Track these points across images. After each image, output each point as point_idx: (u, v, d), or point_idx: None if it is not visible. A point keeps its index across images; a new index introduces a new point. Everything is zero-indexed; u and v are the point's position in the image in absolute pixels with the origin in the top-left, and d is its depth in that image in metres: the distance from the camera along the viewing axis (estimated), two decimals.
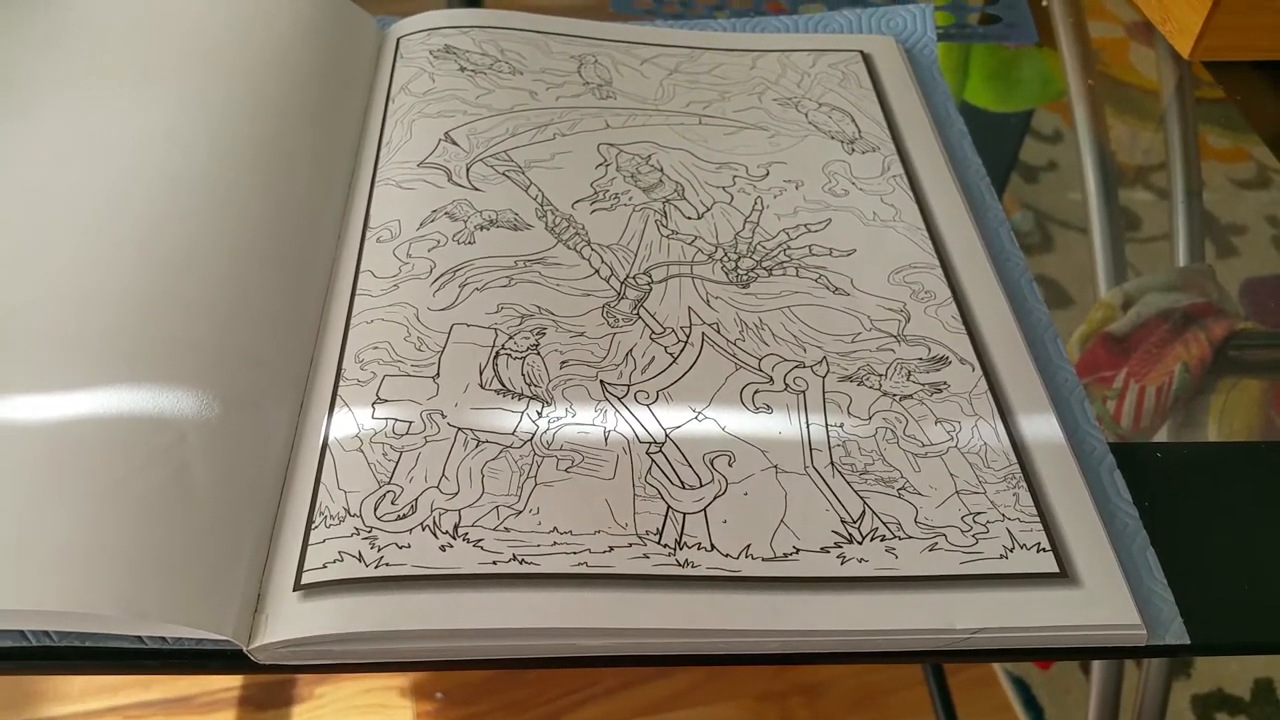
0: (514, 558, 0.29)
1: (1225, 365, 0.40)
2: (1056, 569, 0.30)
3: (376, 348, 0.34)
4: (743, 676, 0.94)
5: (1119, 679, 0.75)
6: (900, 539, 0.31)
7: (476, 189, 0.41)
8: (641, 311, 0.37)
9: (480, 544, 0.29)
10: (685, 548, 0.30)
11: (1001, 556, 0.30)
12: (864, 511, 0.31)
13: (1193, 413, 0.39)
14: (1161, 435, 0.38)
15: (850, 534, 0.31)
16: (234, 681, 0.93)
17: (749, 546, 0.30)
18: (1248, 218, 0.49)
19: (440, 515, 0.30)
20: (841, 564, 0.30)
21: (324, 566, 0.29)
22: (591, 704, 0.92)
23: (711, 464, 0.32)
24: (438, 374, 0.34)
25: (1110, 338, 0.41)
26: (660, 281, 0.38)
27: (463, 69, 0.46)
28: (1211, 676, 0.91)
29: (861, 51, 0.50)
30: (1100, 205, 0.49)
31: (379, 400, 0.33)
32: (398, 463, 0.31)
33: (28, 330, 0.33)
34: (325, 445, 0.32)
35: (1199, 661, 0.92)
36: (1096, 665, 0.77)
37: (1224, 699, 0.90)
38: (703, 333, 0.36)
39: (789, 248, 0.40)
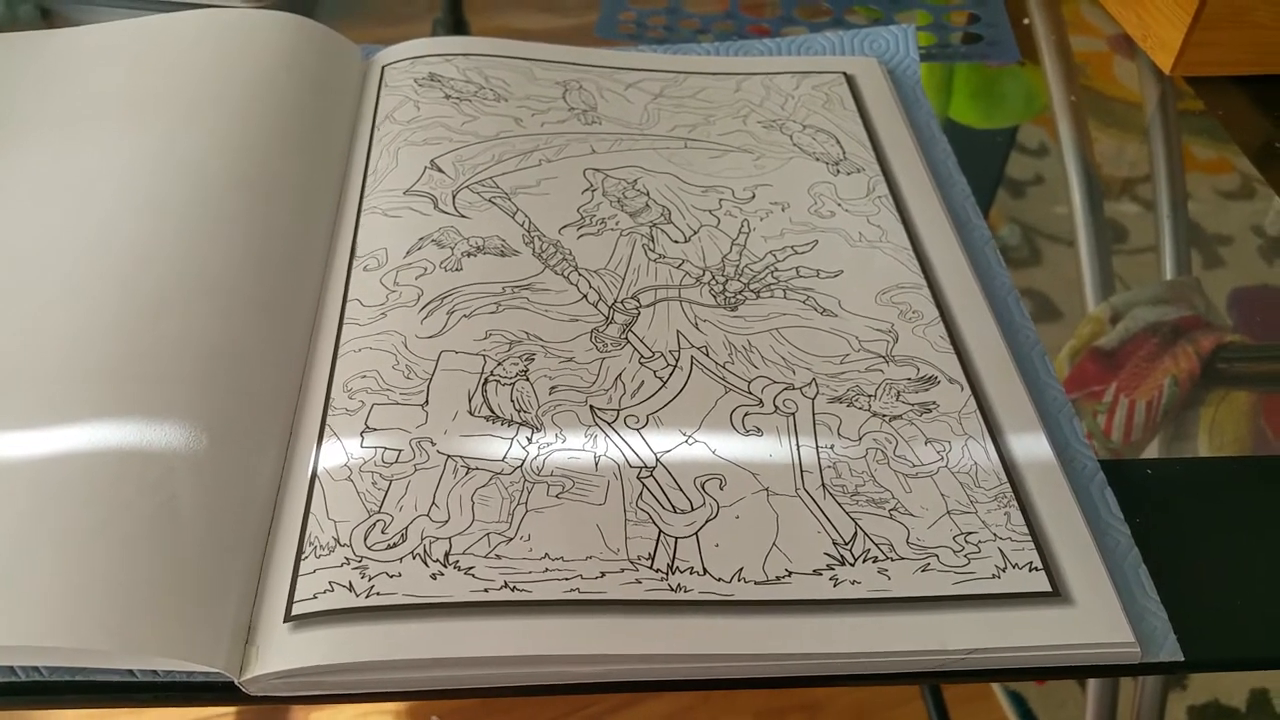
0: (505, 585, 0.29)
1: (1214, 378, 0.40)
2: (1049, 588, 0.30)
3: (365, 376, 0.34)
4: (742, 693, 0.94)
5: (1115, 692, 0.75)
6: (892, 560, 0.31)
7: (463, 216, 0.41)
8: (630, 336, 0.37)
9: (471, 572, 0.29)
10: (677, 572, 0.30)
11: (994, 576, 0.30)
12: (856, 533, 0.31)
13: (1183, 426, 0.39)
14: (1152, 449, 0.39)
15: (842, 556, 0.31)
16: (229, 705, 0.92)
17: (741, 570, 0.30)
18: (1234, 228, 0.49)
19: (431, 543, 0.30)
20: (834, 586, 0.30)
21: (314, 597, 0.29)
22: None
23: (702, 487, 0.32)
24: (426, 402, 0.34)
25: (1099, 352, 0.41)
26: (648, 305, 0.38)
27: (448, 96, 0.46)
28: (1208, 688, 0.91)
29: (845, 73, 0.50)
30: (1086, 219, 0.49)
31: (368, 429, 0.33)
32: (387, 491, 0.31)
33: (13, 366, 0.33)
34: (314, 475, 0.32)
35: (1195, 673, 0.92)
36: (1092, 680, 0.77)
37: (1220, 710, 0.90)
38: (691, 356, 0.36)
39: (776, 270, 0.40)
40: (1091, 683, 0.77)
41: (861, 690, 0.94)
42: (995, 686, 0.93)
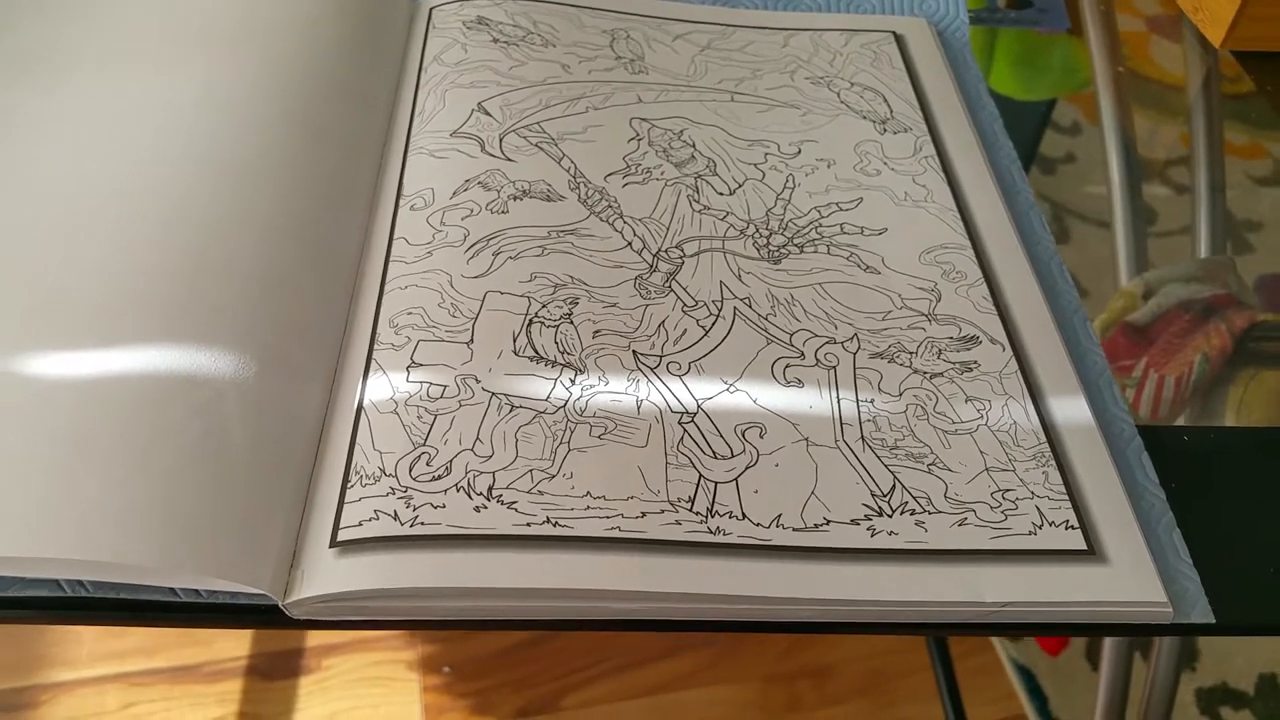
0: (548, 520, 0.29)
1: (1245, 356, 0.40)
2: (1085, 546, 0.30)
3: (411, 313, 0.35)
4: (750, 658, 0.95)
5: (1128, 668, 0.75)
6: (930, 513, 0.31)
7: (509, 159, 0.41)
8: (674, 284, 0.37)
9: (514, 506, 0.30)
10: (717, 516, 0.30)
11: (1030, 533, 0.31)
12: (894, 485, 0.32)
13: (1211, 403, 0.39)
14: (1180, 425, 0.39)
15: (880, 507, 0.31)
16: (241, 651, 0.93)
17: (780, 516, 0.30)
18: (1265, 214, 0.49)
19: (475, 477, 0.30)
20: (871, 536, 0.30)
21: (360, 524, 0.29)
22: (599, 682, 0.93)
23: (743, 435, 0.32)
24: (471, 340, 0.34)
25: (1131, 327, 0.41)
26: (692, 255, 0.38)
27: (495, 40, 0.46)
28: (1216, 670, 0.92)
29: (894, 32, 0.50)
30: (1123, 195, 0.49)
31: (413, 364, 0.33)
32: (432, 425, 0.32)
33: (70, 290, 0.33)
34: (360, 407, 0.32)
35: (1204, 655, 0.92)
36: (1106, 656, 0.77)
37: (1228, 693, 0.91)
38: (734, 307, 0.36)
39: (820, 225, 0.40)
40: (1105, 659, 0.78)
41: (872, 659, 0.95)
42: (1004, 660, 0.94)
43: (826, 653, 0.95)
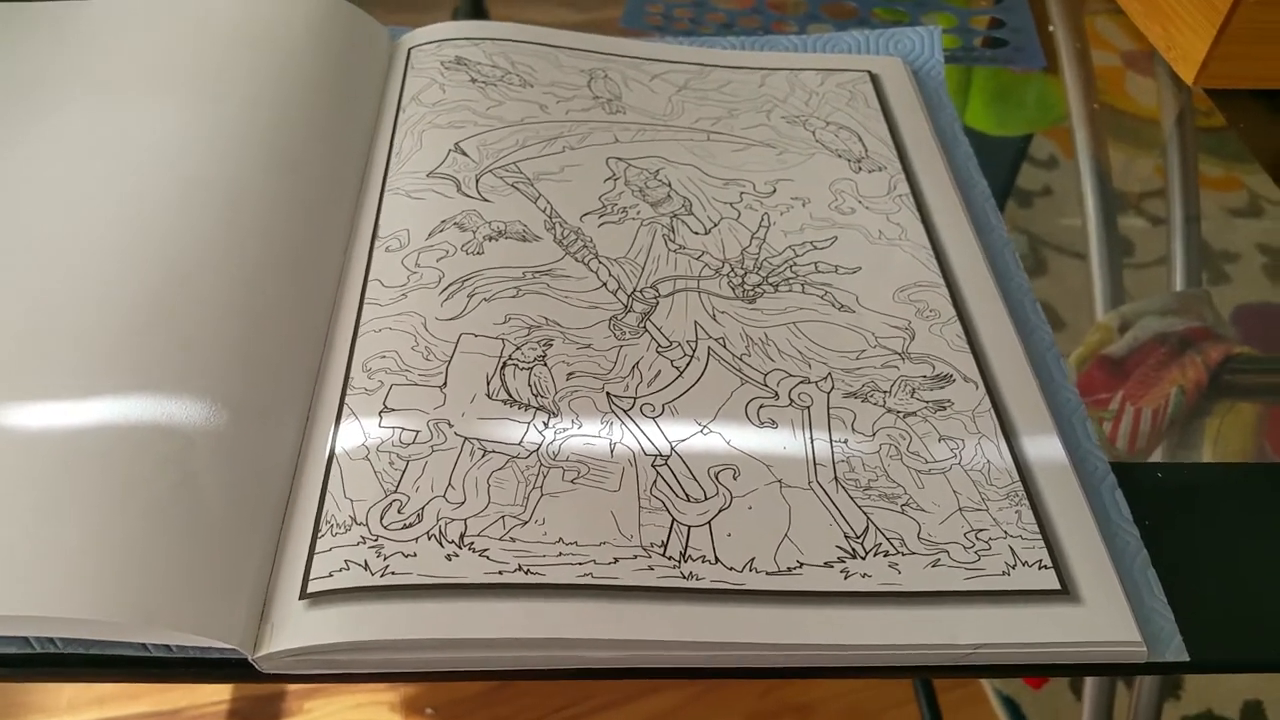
0: (520, 568, 0.29)
1: (1220, 389, 0.40)
2: (1058, 586, 0.30)
3: (384, 356, 0.35)
4: (733, 695, 0.94)
5: (1111, 700, 0.75)
6: (903, 554, 0.31)
7: (485, 200, 0.41)
8: (648, 325, 0.37)
9: (486, 554, 0.30)
10: (690, 560, 0.30)
11: (1004, 573, 0.31)
12: (867, 527, 0.31)
13: (1188, 436, 0.39)
14: (1156, 458, 0.39)
15: (854, 549, 0.31)
16: (223, 694, 0.92)
17: (753, 560, 0.30)
18: (1240, 245, 0.49)
19: (446, 525, 0.30)
20: (845, 579, 0.30)
21: (330, 575, 0.29)
22: None
23: (716, 477, 0.32)
24: (445, 383, 0.34)
25: (1107, 360, 0.41)
26: (667, 295, 0.38)
27: (473, 80, 0.46)
28: (1201, 698, 0.92)
29: (869, 72, 0.50)
30: (1099, 229, 0.49)
31: (386, 409, 0.33)
32: (404, 472, 0.31)
33: (38, 336, 0.33)
34: (332, 454, 0.32)
35: (1189, 682, 0.92)
36: (1089, 686, 0.77)
37: None
38: (709, 347, 0.36)
39: (795, 264, 0.40)
40: (1087, 690, 0.78)
41: (854, 693, 0.94)
42: (989, 691, 0.94)
43: (809, 689, 0.95)
